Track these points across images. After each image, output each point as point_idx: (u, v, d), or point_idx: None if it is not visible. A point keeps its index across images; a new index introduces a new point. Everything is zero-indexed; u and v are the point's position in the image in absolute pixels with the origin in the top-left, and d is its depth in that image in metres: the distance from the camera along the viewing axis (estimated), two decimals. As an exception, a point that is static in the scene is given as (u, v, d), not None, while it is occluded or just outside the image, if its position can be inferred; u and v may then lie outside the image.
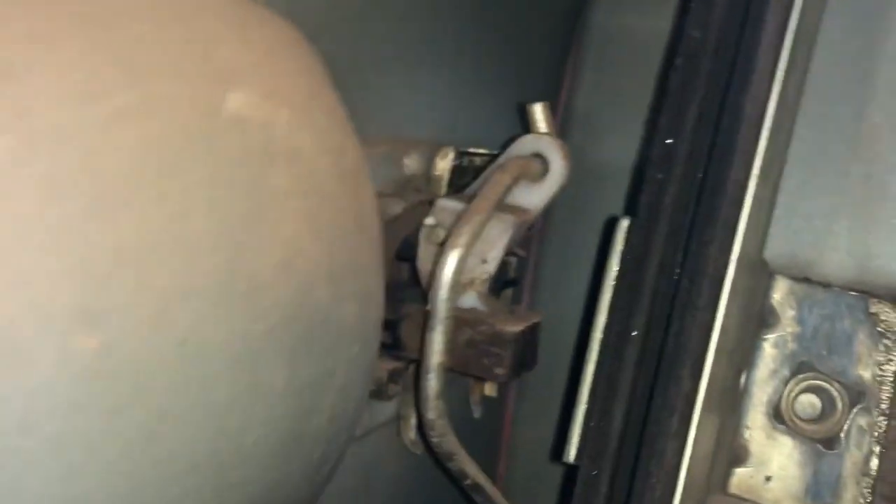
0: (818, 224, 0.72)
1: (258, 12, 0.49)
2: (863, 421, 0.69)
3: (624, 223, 0.63)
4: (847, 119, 0.71)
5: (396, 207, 0.69)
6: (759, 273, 0.70)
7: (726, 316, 0.59)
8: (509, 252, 0.73)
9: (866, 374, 0.70)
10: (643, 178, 0.62)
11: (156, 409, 0.37)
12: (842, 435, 0.70)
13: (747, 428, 0.71)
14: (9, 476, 0.31)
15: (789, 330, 0.71)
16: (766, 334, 0.72)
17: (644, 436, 0.58)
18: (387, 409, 0.74)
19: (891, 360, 0.70)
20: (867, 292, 0.70)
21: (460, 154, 0.76)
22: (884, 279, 0.70)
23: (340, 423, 0.54)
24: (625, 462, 0.59)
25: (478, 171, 0.75)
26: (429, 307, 0.63)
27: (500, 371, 0.65)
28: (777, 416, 0.70)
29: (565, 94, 0.90)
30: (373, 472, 0.75)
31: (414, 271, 0.70)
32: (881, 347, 0.70)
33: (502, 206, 0.67)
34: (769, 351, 0.72)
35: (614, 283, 0.63)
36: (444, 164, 0.74)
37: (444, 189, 0.74)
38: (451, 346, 0.64)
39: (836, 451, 0.69)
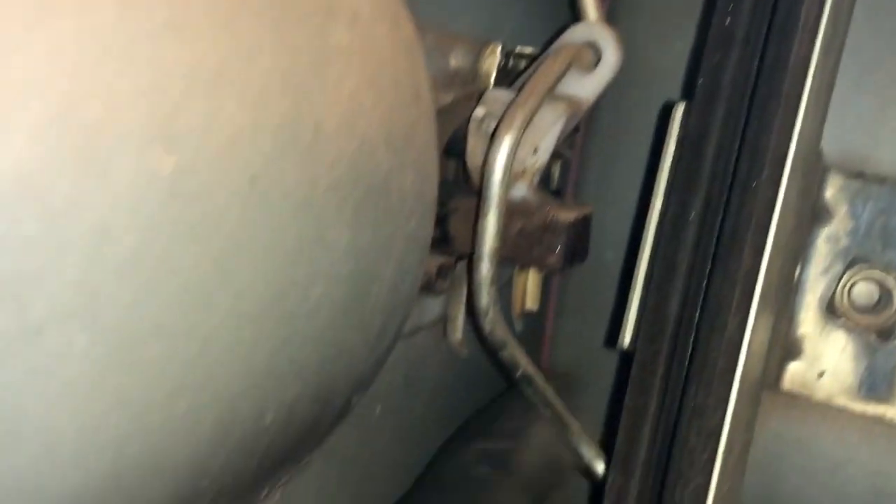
0: (872, 119, 0.71)
1: None
2: (919, 314, 0.68)
3: (681, 107, 0.62)
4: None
5: (446, 98, 0.68)
6: (814, 165, 0.69)
7: (785, 199, 0.58)
8: (555, 153, 0.72)
9: (922, 266, 0.69)
10: (699, 61, 0.61)
11: (228, 242, 0.37)
12: (897, 328, 0.69)
13: (801, 323, 0.70)
14: (89, 283, 0.31)
15: (843, 225, 0.70)
16: (819, 229, 0.71)
17: (703, 316, 0.57)
18: (433, 308, 0.73)
19: (947, 253, 0.69)
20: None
21: (507, 53, 0.75)
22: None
23: (398, 298, 0.53)
24: (681, 345, 0.58)
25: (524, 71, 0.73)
26: (482, 195, 0.62)
27: (552, 260, 0.64)
28: (831, 309, 0.70)
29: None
30: (415, 373, 0.75)
31: (461, 167, 0.69)
32: (937, 240, 0.68)
33: (553, 96, 0.66)
34: (822, 246, 0.71)
35: (670, 167, 0.62)
36: (491, 60, 0.73)
37: (490, 86, 0.73)
38: (504, 237, 0.63)
39: (891, 343, 0.68)
